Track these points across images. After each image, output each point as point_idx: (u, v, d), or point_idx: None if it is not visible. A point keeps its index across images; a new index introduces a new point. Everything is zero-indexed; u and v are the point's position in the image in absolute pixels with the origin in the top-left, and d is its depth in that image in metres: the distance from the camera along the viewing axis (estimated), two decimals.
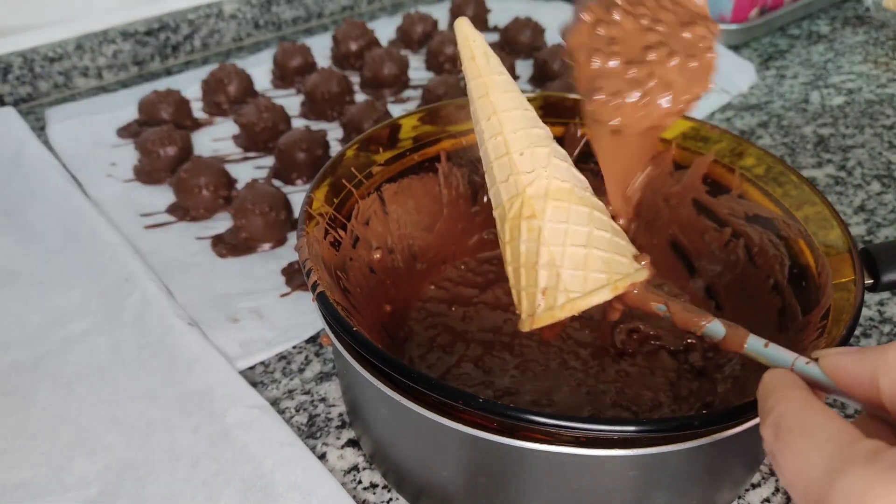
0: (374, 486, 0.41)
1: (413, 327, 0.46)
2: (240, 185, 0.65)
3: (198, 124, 0.74)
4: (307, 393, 0.47)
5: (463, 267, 0.51)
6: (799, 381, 0.24)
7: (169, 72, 0.87)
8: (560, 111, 0.49)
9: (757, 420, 0.32)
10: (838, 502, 0.19)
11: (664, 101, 0.34)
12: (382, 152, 0.46)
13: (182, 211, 0.62)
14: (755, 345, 0.30)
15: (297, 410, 0.46)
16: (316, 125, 0.74)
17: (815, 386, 0.25)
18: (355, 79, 0.83)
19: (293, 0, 0.96)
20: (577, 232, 0.33)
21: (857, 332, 0.51)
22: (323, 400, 0.47)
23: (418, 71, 0.85)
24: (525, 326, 0.34)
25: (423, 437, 0.35)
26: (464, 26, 0.36)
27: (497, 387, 0.42)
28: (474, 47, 0.36)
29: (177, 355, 0.47)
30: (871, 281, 0.38)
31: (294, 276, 0.55)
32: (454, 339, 0.46)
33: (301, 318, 0.52)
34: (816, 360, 0.26)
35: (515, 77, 0.79)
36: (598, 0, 0.34)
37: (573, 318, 0.34)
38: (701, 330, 0.32)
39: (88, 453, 0.42)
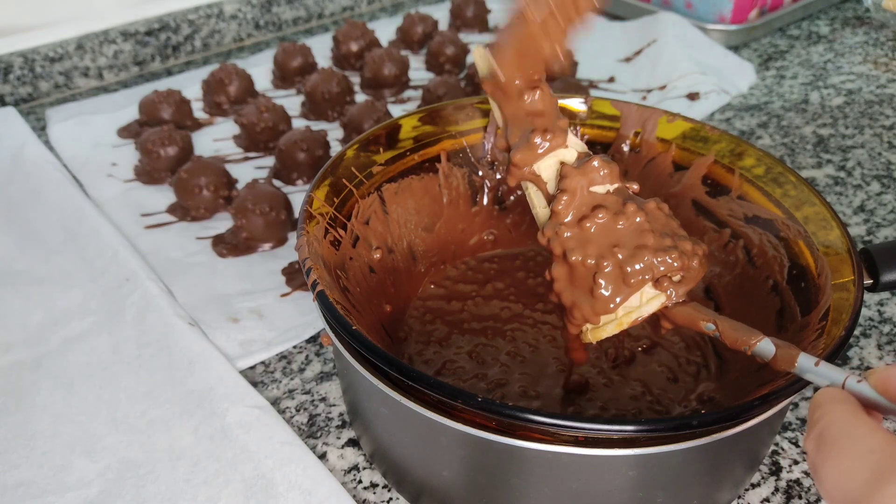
0: (374, 485, 0.41)
1: (412, 325, 0.47)
2: (240, 185, 0.65)
3: (198, 124, 0.75)
4: (307, 393, 0.47)
5: (463, 266, 0.51)
6: (849, 397, 0.24)
7: (169, 72, 0.87)
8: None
9: (756, 420, 0.32)
10: None
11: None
12: (383, 152, 0.46)
13: (182, 211, 0.62)
14: (806, 364, 0.29)
15: (298, 410, 0.46)
16: (316, 125, 0.75)
17: (868, 405, 0.25)
18: (355, 79, 0.83)
19: (294, 0, 0.96)
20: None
21: (856, 333, 0.51)
22: (323, 400, 0.47)
23: (418, 71, 0.85)
24: (591, 338, 0.35)
25: (423, 436, 0.35)
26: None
27: (489, 378, 0.43)
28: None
29: (177, 355, 0.47)
30: (871, 281, 0.39)
31: (294, 276, 0.55)
32: (450, 332, 0.46)
33: (301, 317, 0.52)
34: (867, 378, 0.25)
35: None
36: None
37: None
38: (752, 349, 0.32)
39: (88, 453, 0.42)
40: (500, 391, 0.42)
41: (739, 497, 0.40)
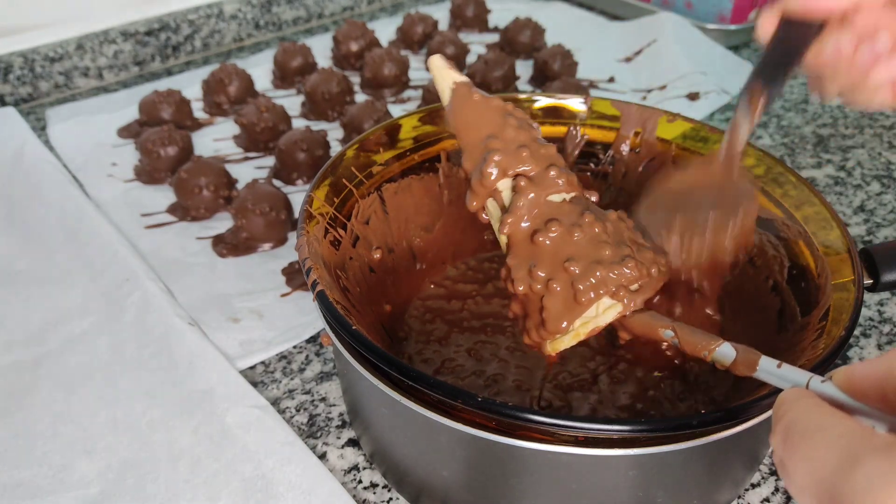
0: (374, 485, 0.41)
1: (411, 324, 0.47)
2: (240, 185, 0.65)
3: (198, 124, 0.75)
4: (307, 393, 0.47)
5: (463, 266, 0.51)
6: (812, 394, 0.23)
7: (169, 72, 0.87)
8: (560, 114, 0.49)
9: (756, 420, 0.32)
10: (854, 494, 0.18)
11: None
12: (382, 152, 0.46)
13: (182, 211, 0.62)
14: (768, 366, 0.29)
15: (298, 410, 0.46)
16: (316, 125, 0.75)
17: (834, 405, 0.24)
18: (355, 79, 0.83)
19: (294, 0, 0.96)
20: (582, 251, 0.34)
21: (856, 333, 0.51)
22: (323, 399, 0.47)
23: (418, 71, 0.85)
24: (550, 349, 0.35)
25: (423, 436, 0.35)
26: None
27: (486, 374, 0.43)
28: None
29: (177, 355, 0.47)
30: (871, 281, 0.39)
31: (294, 276, 0.55)
32: (450, 331, 0.46)
33: (301, 317, 0.52)
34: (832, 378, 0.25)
35: (515, 77, 0.80)
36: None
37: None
38: (711, 355, 0.31)
39: (88, 453, 0.42)
40: (496, 387, 0.42)
41: (739, 497, 0.40)
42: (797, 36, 0.38)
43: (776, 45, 0.38)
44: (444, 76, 0.39)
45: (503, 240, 0.36)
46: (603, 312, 0.34)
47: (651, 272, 0.34)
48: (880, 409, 0.22)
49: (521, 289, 0.34)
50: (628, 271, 0.33)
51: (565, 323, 0.33)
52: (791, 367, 0.28)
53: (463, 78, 0.39)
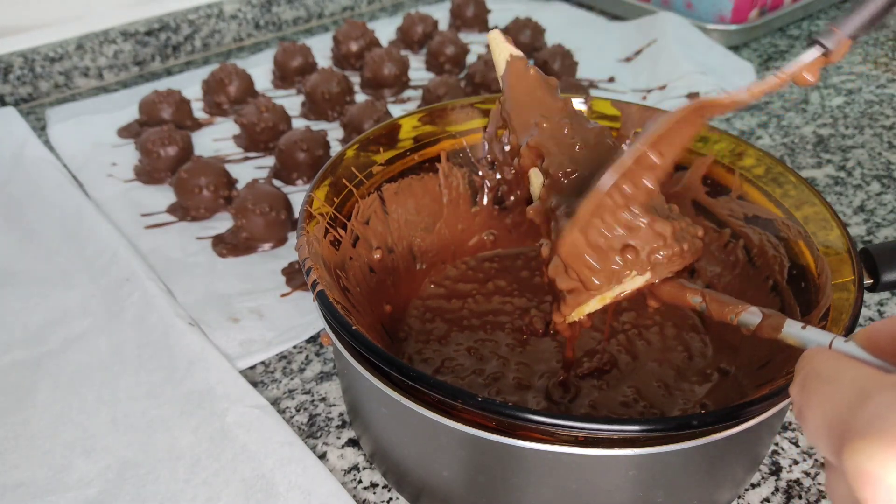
0: (374, 485, 0.41)
1: (411, 324, 0.47)
2: (240, 185, 0.65)
3: (198, 124, 0.75)
4: (307, 393, 0.47)
5: (463, 266, 0.51)
6: (834, 351, 0.24)
7: (169, 72, 0.87)
8: None
9: (756, 420, 0.32)
10: (863, 426, 0.18)
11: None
12: (382, 152, 0.46)
13: (182, 211, 0.62)
14: (792, 329, 0.30)
15: (298, 410, 0.46)
16: (316, 125, 0.75)
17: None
18: (355, 79, 0.83)
19: (294, 0, 0.96)
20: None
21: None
22: (323, 399, 0.47)
23: (418, 71, 0.85)
24: (576, 315, 0.35)
25: (423, 436, 0.35)
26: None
27: (486, 373, 0.43)
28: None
29: (177, 355, 0.47)
30: (871, 281, 0.39)
31: (294, 276, 0.55)
32: (450, 330, 0.46)
33: (301, 317, 0.52)
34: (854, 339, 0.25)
35: None
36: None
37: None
38: (737, 319, 0.32)
39: (88, 453, 0.42)
40: (496, 385, 0.42)
41: (739, 497, 0.40)
42: None
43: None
44: (502, 49, 0.43)
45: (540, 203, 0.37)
46: (632, 279, 0.34)
47: (684, 247, 0.34)
48: None
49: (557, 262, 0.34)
50: (666, 249, 0.33)
51: (605, 287, 0.33)
52: (815, 329, 0.29)
53: (519, 53, 0.42)
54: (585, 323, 0.36)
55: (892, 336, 0.23)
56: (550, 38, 0.89)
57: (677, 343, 0.45)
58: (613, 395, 0.42)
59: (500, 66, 0.43)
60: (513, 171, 0.49)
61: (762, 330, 0.31)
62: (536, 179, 0.39)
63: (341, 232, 0.41)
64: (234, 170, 0.67)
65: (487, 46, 0.88)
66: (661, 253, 0.33)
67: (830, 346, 0.26)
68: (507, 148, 0.49)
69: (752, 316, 0.32)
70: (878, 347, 0.23)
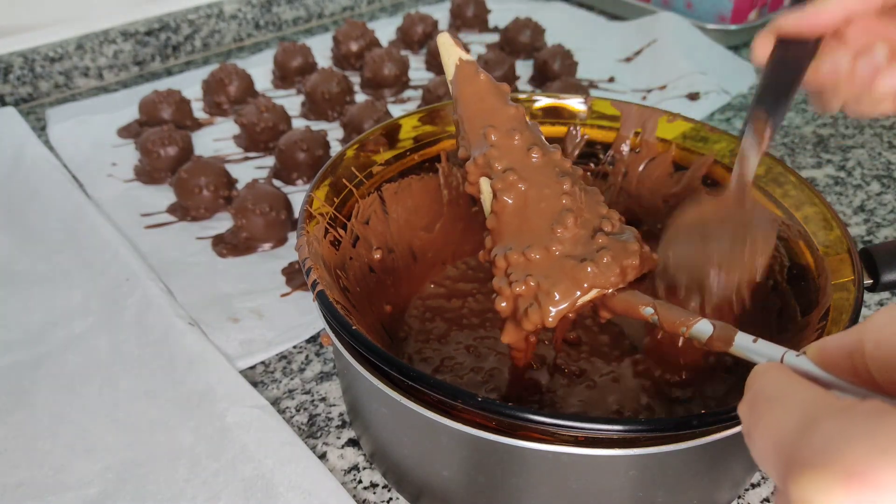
0: (374, 485, 0.41)
1: (411, 324, 0.47)
2: (240, 185, 0.65)
3: (198, 124, 0.75)
4: (307, 393, 0.47)
5: (463, 266, 0.51)
6: (785, 367, 0.23)
7: (169, 72, 0.87)
8: (560, 114, 0.49)
9: None
10: (810, 455, 0.18)
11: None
12: (382, 152, 0.46)
13: (182, 211, 0.62)
14: (743, 342, 0.29)
15: (298, 410, 0.46)
16: (316, 125, 0.75)
17: (807, 378, 0.24)
18: (355, 79, 0.83)
19: (294, 0, 0.96)
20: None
21: None
22: (323, 399, 0.47)
23: (418, 71, 0.85)
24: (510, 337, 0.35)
25: (423, 436, 0.35)
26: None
27: (485, 370, 0.43)
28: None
29: (177, 355, 0.47)
30: (871, 281, 0.39)
31: (294, 276, 0.55)
32: (449, 329, 0.46)
33: (301, 317, 0.52)
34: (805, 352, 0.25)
35: (515, 77, 0.80)
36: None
37: None
38: (689, 331, 0.32)
39: (88, 453, 0.42)
40: (494, 382, 0.42)
41: (739, 497, 0.40)
42: (794, 56, 0.38)
43: (774, 69, 0.38)
44: (451, 52, 0.41)
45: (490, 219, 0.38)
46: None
47: (628, 265, 0.34)
48: (852, 381, 0.22)
49: (518, 289, 0.34)
50: (606, 270, 0.33)
51: (551, 316, 0.33)
52: (767, 343, 0.28)
53: (469, 56, 0.41)
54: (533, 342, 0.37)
55: (843, 350, 0.22)
56: (550, 38, 0.89)
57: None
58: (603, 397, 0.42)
59: (450, 70, 0.41)
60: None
61: (712, 343, 0.31)
62: (487, 188, 0.38)
63: (341, 232, 0.41)
64: (234, 170, 0.67)
65: (488, 46, 0.88)
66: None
67: (782, 360, 0.25)
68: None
69: (703, 327, 0.31)
70: (831, 362, 0.23)
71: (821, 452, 0.17)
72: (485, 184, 0.38)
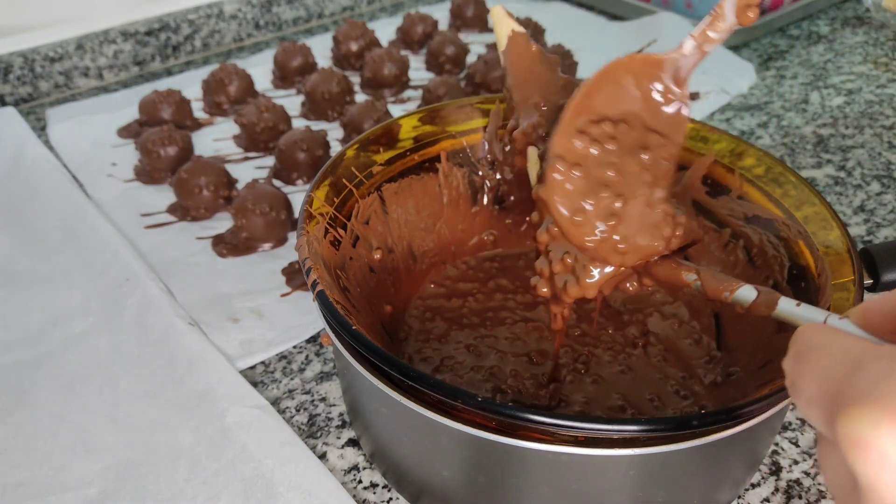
0: (374, 485, 0.41)
1: (411, 324, 0.47)
2: (240, 185, 0.65)
3: (198, 124, 0.75)
4: (307, 393, 0.47)
5: (463, 266, 0.51)
6: (828, 326, 0.24)
7: (169, 72, 0.87)
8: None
9: (756, 420, 0.32)
10: (856, 395, 0.18)
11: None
12: (382, 152, 0.46)
13: (182, 211, 0.62)
14: (787, 306, 0.29)
15: (298, 410, 0.46)
16: (316, 125, 0.75)
17: None
18: (355, 79, 0.83)
19: (294, 0, 0.96)
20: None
21: None
22: (323, 399, 0.47)
23: (418, 71, 0.85)
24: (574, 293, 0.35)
25: (423, 436, 0.35)
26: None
27: (485, 368, 0.43)
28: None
29: (177, 355, 0.47)
30: (871, 281, 0.39)
31: (294, 276, 0.55)
32: (449, 329, 0.46)
33: (301, 317, 0.52)
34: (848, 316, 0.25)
35: None
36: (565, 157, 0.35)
37: None
38: (732, 296, 0.32)
39: (88, 453, 0.42)
40: (494, 380, 0.42)
41: (739, 497, 0.40)
42: None
43: None
44: (504, 24, 0.42)
45: (535, 184, 0.37)
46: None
47: (671, 234, 0.34)
48: (894, 342, 0.23)
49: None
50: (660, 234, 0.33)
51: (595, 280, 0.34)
52: (809, 307, 0.29)
53: (521, 28, 0.42)
54: (567, 313, 0.37)
55: (885, 313, 0.23)
56: (550, 38, 0.89)
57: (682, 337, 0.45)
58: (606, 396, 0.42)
59: (502, 41, 0.42)
60: (507, 149, 0.49)
61: (756, 307, 0.31)
62: (534, 156, 0.38)
63: (341, 232, 0.41)
64: (234, 170, 0.67)
65: (488, 46, 0.88)
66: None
67: (825, 322, 0.26)
68: (507, 148, 0.49)
69: (746, 293, 0.31)
70: (874, 324, 0.24)
71: (867, 391, 0.18)
72: (532, 152, 0.38)
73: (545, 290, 0.36)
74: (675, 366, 0.43)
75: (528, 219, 0.39)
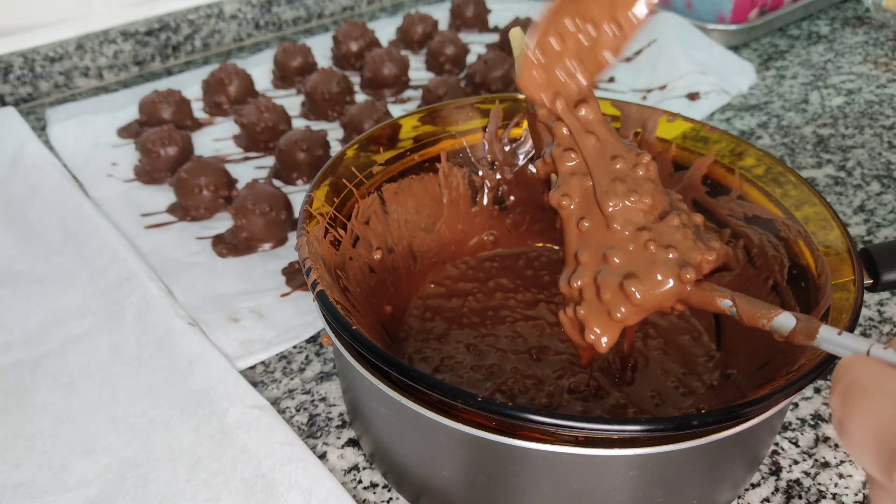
0: (374, 485, 0.41)
1: (411, 324, 0.47)
2: (240, 185, 0.65)
3: (198, 124, 0.75)
4: (307, 392, 0.47)
5: (463, 266, 0.51)
6: (873, 359, 0.23)
7: (169, 72, 0.87)
8: None
9: (756, 420, 0.32)
10: None
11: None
12: (382, 152, 0.46)
13: (182, 211, 0.62)
14: (828, 335, 0.28)
15: (298, 410, 0.46)
16: (316, 125, 0.75)
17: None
18: (355, 79, 0.83)
19: (294, 0, 0.96)
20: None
21: (856, 333, 0.51)
22: (323, 399, 0.47)
23: (418, 71, 0.85)
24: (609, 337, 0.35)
25: (423, 436, 0.35)
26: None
27: (485, 367, 0.43)
28: None
29: (177, 355, 0.47)
30: (871, 281, 0.39)
31: (294, 276, 0.55)
32: (449, 328, 0.46)
33: (301, 317, 0.52)
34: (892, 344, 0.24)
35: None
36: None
37: None
38: (770, 324, 0.31)
39: (88, 453, 0.42)
40: (494, 379, 0.42)
41: (739, 497, 0.40)
42: None
43: None
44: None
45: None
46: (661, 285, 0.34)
47: (703, 259, 0.34)
48: None
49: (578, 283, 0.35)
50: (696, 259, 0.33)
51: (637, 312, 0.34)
52: (851, 336, 0.28)
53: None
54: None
55: None
56: None
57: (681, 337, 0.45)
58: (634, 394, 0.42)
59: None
60: (511, 151, 0.49)
61: (795, 336, 0.30)
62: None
63: (341, 232, 0.41)
64: (234, 170, 0.67)
65: (488, 46, 0.88)
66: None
67: (868, 353, 0.25)
68: (507, 148, 0.49)
69: (785, 320, 0.30)
70: None
71: None
72: (554, 178, 0.38)
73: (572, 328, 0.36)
74: (676, 360, 0.43)
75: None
